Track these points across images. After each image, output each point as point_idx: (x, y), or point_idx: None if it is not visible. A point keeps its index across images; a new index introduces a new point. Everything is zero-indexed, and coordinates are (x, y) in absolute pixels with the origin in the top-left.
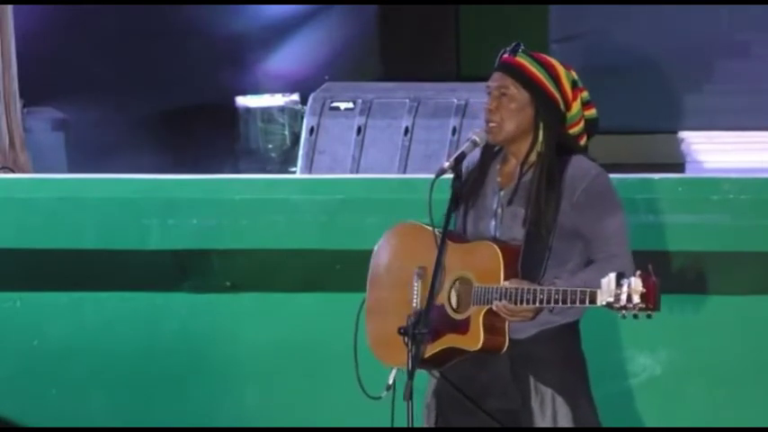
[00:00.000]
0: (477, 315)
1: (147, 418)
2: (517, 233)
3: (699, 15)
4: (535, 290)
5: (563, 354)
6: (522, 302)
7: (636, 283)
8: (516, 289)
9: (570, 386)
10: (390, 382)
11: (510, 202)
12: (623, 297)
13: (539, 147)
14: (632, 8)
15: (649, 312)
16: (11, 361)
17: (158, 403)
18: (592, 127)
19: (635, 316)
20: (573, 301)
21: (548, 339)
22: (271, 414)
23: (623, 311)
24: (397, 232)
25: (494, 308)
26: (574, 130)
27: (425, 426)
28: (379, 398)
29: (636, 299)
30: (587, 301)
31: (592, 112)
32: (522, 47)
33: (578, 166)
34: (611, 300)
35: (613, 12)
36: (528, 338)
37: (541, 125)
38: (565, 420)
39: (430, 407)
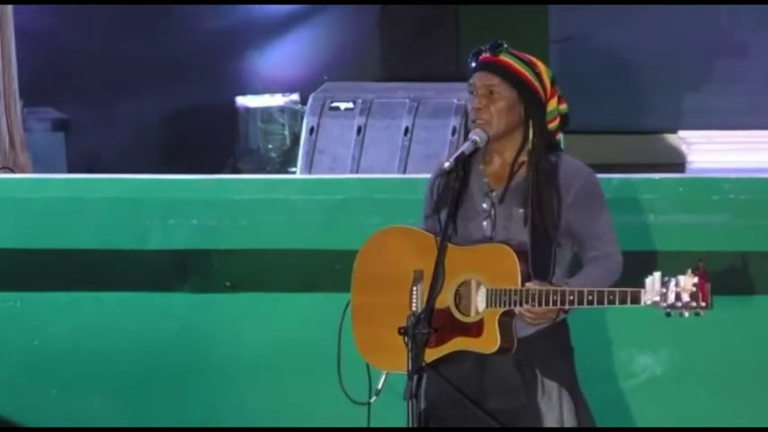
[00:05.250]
0: (491, 317)
1: (147, 418)
2: (514, 233)
3: (698, 15)
4: (563, 291)
5: (559, 348)
6: (548, 304)
7: (685, 281)
8: (540, 290)
9: (569, 379)
10: (379, 386)
11: (501, 201)
12: (671, 296)
13: (528, 145)
14: (632, 8)
15: (699, 311)
16: (11, 361)
17: (158, 403)
18: (564, 122)
19: (680, 314)
20: (611, 302)
21: (545, 335)
22: (271, 414)
23: (670, 310)
24: (382, 237)
25: (516, 311)
26: (551, 126)
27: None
28: (367, 403)
29: (686, 297)
30: (629, 301)
31: (564, 107)
32: (505, 45)
33: (571, 165)
34: (658, 299)
35: (613, 12)
36: (528, 336)
37: (531, 123)
38: (569, 414)
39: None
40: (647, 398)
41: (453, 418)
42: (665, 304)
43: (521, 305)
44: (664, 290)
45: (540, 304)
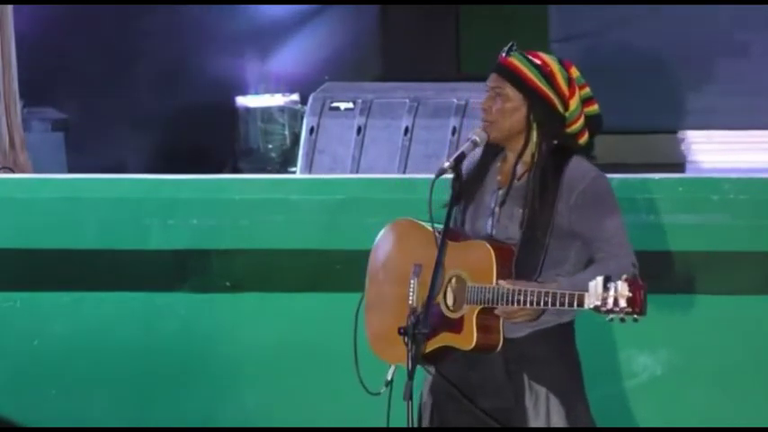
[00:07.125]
0: (470, 314)
1: (147, 418)
2: (513, 233)
3: (699, 15)
4: (525, 290)
5: (557, 353)
6: (513, 303)
7: (622, 287)
8: (508, 289)
9: (564, 385)
10: (389, 377)
11: (503, 203)
12: (610, 301)
13: (532, 147)
14: (632, 8)
15: (635, 317)
16: (11, 361)
17: (158, 403)
18: (594, 123)
19: (622, 320)
20: (561, 304)
21: (542, 338)
22: (271, 414)
23: (610, 315)
24: (395, 228)
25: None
26: (573, 128)
27: (421, 424)
28: (378, 394)
29: (622, 303)
30: (575, 304)
31: (593, 109)
32: (515, 47)
33: (577, 168)
34: (599, 303)
35: (613, 12)
36: (522, 338)
37: (534, 125)
38: (558, 419)
39: (425, 405)
40: (648, 398)
41: (454, 414)
42: (604, 309)
43: (493, 303)
44: (605, 294)
45: (507, 303)
